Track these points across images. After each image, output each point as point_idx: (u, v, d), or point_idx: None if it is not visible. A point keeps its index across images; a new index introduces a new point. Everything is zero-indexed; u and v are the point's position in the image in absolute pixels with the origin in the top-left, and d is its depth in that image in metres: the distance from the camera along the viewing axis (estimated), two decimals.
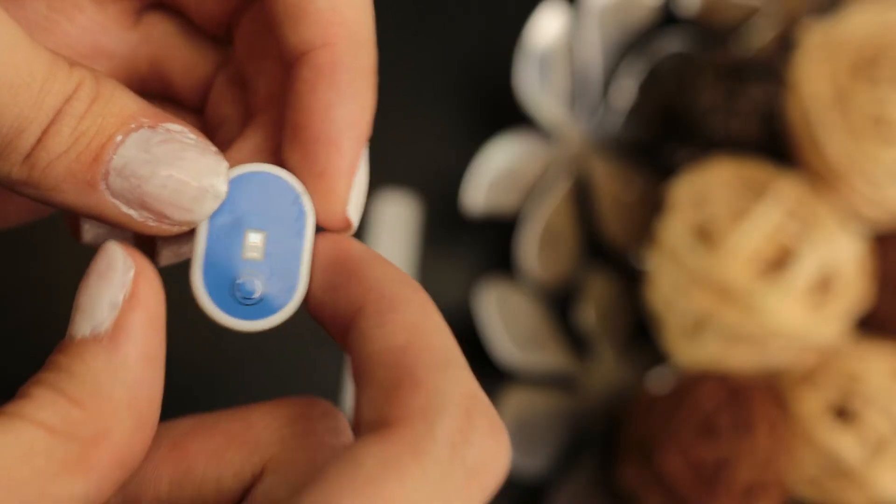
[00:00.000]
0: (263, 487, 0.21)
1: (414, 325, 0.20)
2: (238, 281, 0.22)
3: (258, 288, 0.22)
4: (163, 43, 0.25)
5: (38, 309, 0.54)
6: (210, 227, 0.22)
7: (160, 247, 0.23)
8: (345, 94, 0.22)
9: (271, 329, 0.22)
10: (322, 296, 0.22)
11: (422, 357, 0.19)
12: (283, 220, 0.22)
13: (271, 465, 0.21)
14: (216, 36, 0.25)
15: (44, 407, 0.19)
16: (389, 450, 0.18)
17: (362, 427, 0.20)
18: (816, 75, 0.51)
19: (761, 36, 0.58)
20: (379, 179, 0.58)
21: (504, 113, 0.58)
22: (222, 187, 0.21)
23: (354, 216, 0.23)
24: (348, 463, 0.18)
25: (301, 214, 0.22)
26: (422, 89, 0.60)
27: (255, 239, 0.22)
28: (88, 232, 0.23)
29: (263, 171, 0.22)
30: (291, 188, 0.22)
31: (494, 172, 0.55)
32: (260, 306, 0.22)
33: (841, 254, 0.50)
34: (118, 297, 0.20)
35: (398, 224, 0.57)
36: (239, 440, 0.22)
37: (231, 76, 0.25)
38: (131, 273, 0.20)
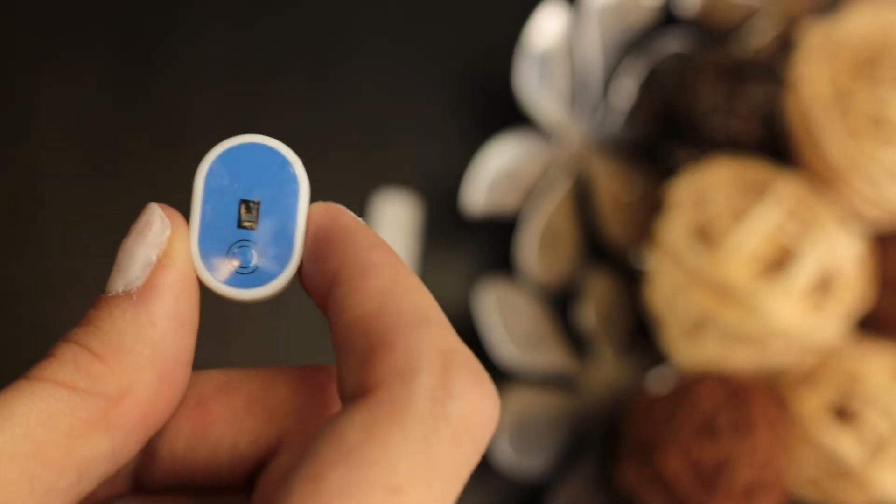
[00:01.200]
0: (279, 464, 0.21)
1: (385, 289, 0.20)
2: (233, 250, 0.22)
3: (253, 257, 0.22)
4: None
5: (37, 309, 0.54)
6: (205, 196, 0.22)
7: None
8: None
9: (268, 298, 0.22)
10: (307, 266, 0.22)
11: (393, 319, 0.19)
12: (278, 190, 0.22)
13: (286, 440, 0.21)
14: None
15: (65, 365, 0.20)
16: (370, 415, 0.18)
17: (345, 398, 0.19)
18: (816, 75, 0.51)
19: (761, 36, 0.58)
20: (379, 179, 0.58)
21: (504, 113, 0.58)
22: None
23: None
24: (332, 435, 0.18)
25: (294, 184, 0.22)
26: (422, 89, 0.60)
27: (249, 208, 0.22)
28: None
29: (257, 141, 0.22)
30: (284, 158, 0.22)
31: (494, 172, 0.55)
32: (256, 275, 0.22)
33: (841, 254, 0.50)
34: (152, 255, 0.21)
35: (398, 224, 0.57)
36: (258, 407, 0.22)
37: None
38: (167, 233, 0.21)
